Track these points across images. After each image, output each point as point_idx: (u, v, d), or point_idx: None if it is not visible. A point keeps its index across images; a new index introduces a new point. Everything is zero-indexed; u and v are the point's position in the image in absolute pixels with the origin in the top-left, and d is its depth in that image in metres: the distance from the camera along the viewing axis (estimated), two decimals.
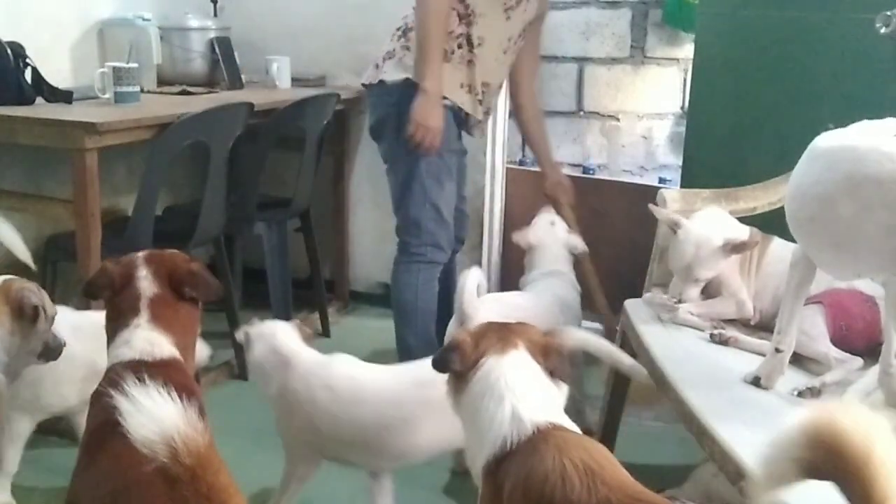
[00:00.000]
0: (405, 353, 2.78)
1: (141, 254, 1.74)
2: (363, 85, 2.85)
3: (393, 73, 2.70)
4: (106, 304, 1.71)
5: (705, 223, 2.19)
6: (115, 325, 1.67)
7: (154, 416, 1.03)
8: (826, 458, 0.88)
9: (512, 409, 1.41)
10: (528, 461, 1.33)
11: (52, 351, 1.95)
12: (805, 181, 1.66)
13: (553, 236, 2.85)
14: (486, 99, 2.81)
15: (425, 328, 2.77)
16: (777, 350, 1.77)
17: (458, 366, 1.50)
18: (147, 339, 1.62)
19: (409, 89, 2.64)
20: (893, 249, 1.54)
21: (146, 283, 1.68)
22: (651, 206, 2.29)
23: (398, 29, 2.78)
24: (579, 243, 2.84)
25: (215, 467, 1.06)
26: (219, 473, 1.07)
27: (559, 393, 1.52)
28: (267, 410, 2.13)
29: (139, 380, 1.46)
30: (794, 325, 1.77)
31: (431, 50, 2.57)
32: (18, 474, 2.25)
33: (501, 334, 1.53)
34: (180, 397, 1.09)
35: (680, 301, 2.17)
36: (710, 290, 2.24)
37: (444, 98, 2.66)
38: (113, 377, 1.57)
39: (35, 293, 1.89)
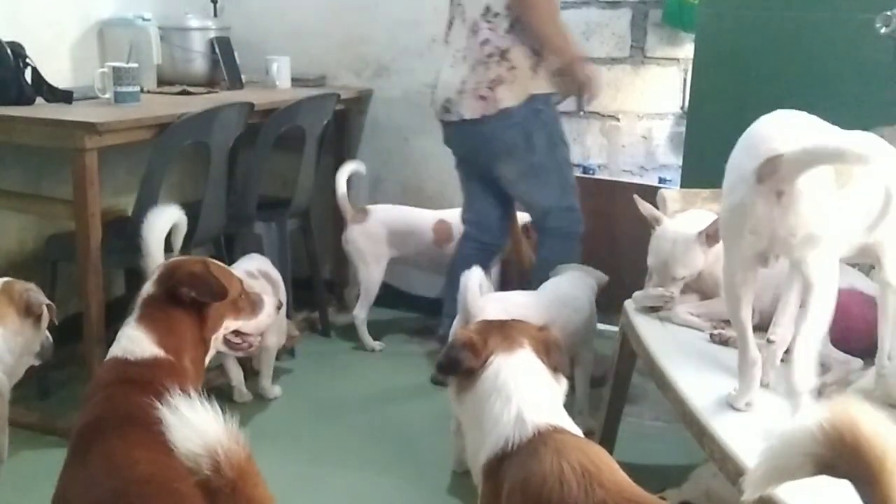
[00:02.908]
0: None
1: (171, 259, 1.82)
2: (465, 120, 2.86)
3: (512, 98, 2.79)
4: None
5: (684, 221, 2.19)
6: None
7: (198, 429, 1.05)
8: (845, 457, 0.87)
9: (518, 410, 1.41)
10: (527, 463, 1.33)
11: (46, 350, 1.96)
12: None
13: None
14: None
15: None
16: (769, 341, 1.76)
17: (472, 363, 1.49)
18: (130, 338, 1.64)
19: (532, 103, 2.79)
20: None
21: (147, 284, 1.73)
22: (636, 196, 2.24)
23: (490, 56, 2.80)
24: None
25: (254, 480, 1.09)
26: (257, 486, 1.10)
27: (560, 388, 1.53)
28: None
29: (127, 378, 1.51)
30: (787, 317, 1.76)
31: (560, 31, 2.80)
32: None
33: (506, 332, 1.53)
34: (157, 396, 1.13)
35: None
36: (710, 291, 2.23)
37: (550, 93, 2.86)
38: (103, 375, 1.60)
39: (41, 293, 1.90)
